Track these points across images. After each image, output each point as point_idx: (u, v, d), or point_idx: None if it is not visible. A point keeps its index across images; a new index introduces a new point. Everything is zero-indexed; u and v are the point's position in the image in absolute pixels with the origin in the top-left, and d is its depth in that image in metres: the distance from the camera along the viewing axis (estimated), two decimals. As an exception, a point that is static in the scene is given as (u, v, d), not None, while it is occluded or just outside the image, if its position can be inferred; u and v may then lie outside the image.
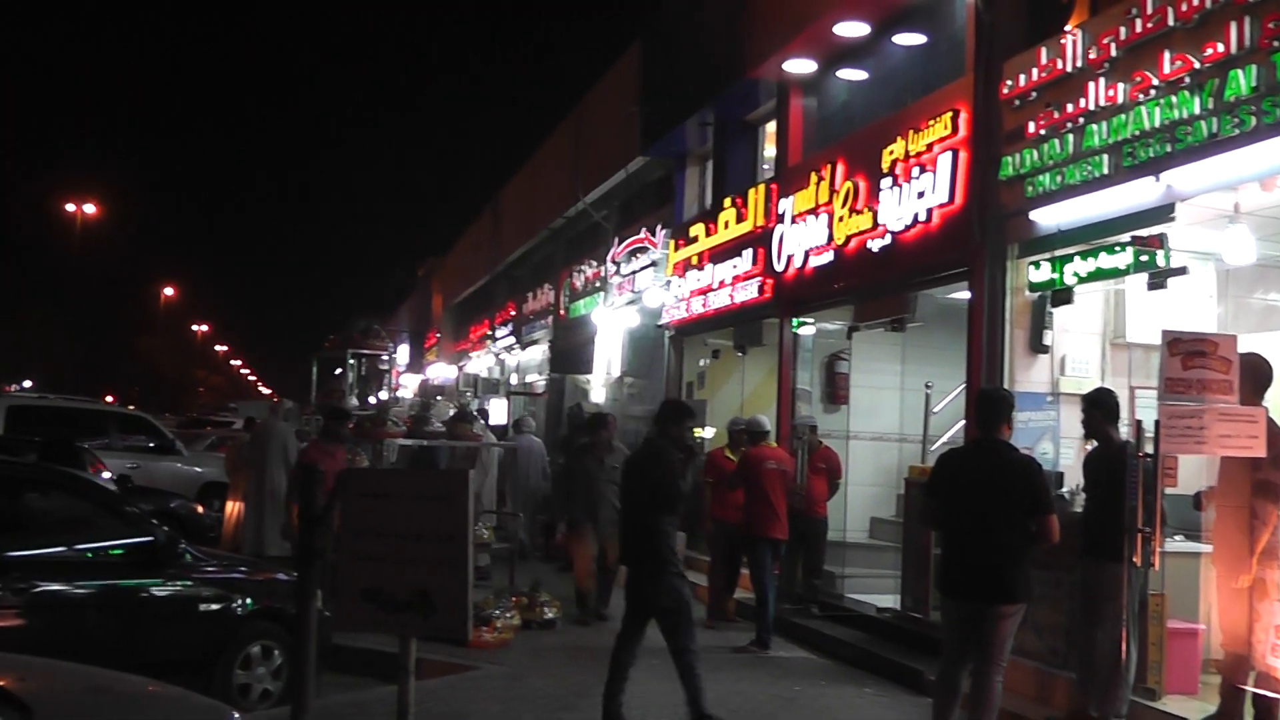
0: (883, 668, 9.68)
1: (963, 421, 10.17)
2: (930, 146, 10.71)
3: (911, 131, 11.02)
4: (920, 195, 10.79)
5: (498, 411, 24.90)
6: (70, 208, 51.81)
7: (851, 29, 12.91)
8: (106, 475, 13.56)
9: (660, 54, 18.99)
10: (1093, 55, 8.62)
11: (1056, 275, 8.95)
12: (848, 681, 9.30)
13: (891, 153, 11.30)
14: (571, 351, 24.00)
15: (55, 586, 6.83)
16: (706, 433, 16.10)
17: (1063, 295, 9.15)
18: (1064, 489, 8.79)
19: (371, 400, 14.94)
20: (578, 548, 12.05)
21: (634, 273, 19.51)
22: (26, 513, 7.54)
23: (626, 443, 12.69)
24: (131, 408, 24.16)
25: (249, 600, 7.72)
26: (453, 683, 8.69)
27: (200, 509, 15.28)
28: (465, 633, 4.94)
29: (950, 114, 10.47)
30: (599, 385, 22.05)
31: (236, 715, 4.49)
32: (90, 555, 7.26)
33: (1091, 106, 8.57)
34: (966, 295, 10.43)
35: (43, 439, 13.82)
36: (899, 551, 10.80)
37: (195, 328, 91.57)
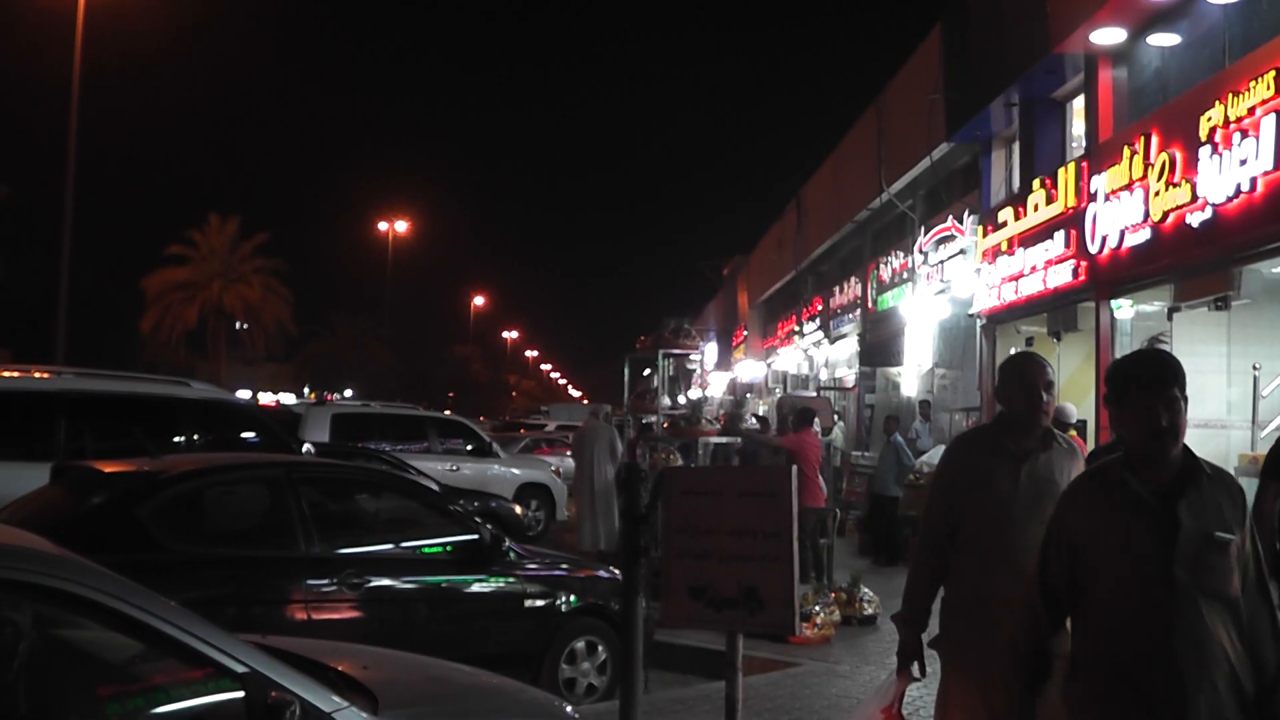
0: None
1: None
2: (1252, 110, 9.99)
3: (1231, 95, 10.31)
4: (1242, 163, 10.08)
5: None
6: (383, 225, 54.97)
7: (1163, -11, 12.31)
8: None
9: (962, 37, 18.58)
10: None
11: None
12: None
13: (1210, 119, 10.62)
14: (881, 344, 23.81)
15: (387, 582, 7.03)
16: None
17: None
18: None
19: (681, 400, 15.26)
20: None
21: (942, 262, 19.18)
22: (359, 512, 7.78)
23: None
24: (448, 412, 25.30)
25: (573, 597, 7.87)
26: (777, 679, 8.72)
27: (519, 509, 15.95)
28: (793, 628, 4.93)
29: (1273, 73, 9.71)
30: (910, 377, 21.79)
31: (568, 708, 4.54)
32: (419, 552, 7.49)
33: None
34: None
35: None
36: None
37: (505, 334, 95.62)
